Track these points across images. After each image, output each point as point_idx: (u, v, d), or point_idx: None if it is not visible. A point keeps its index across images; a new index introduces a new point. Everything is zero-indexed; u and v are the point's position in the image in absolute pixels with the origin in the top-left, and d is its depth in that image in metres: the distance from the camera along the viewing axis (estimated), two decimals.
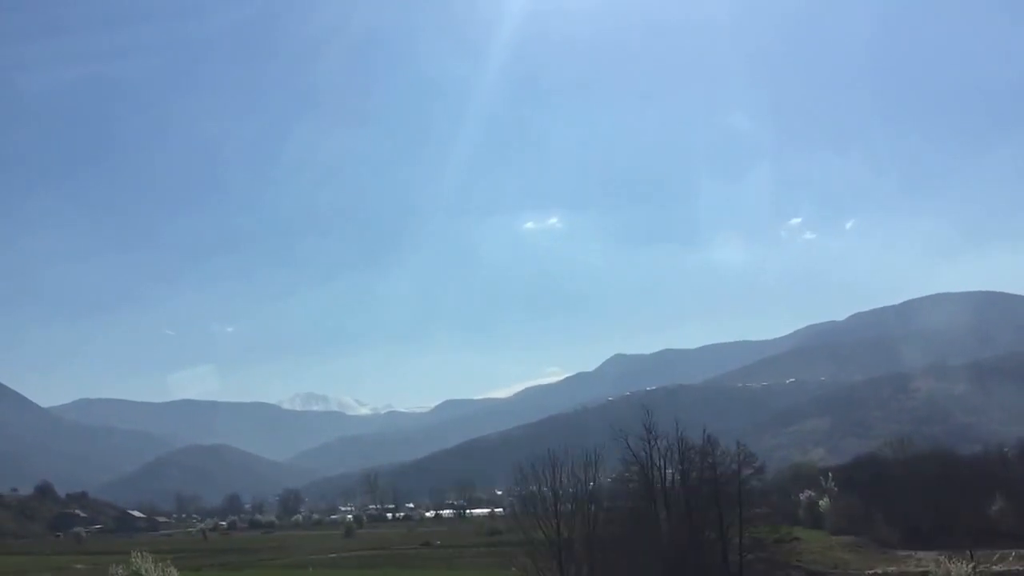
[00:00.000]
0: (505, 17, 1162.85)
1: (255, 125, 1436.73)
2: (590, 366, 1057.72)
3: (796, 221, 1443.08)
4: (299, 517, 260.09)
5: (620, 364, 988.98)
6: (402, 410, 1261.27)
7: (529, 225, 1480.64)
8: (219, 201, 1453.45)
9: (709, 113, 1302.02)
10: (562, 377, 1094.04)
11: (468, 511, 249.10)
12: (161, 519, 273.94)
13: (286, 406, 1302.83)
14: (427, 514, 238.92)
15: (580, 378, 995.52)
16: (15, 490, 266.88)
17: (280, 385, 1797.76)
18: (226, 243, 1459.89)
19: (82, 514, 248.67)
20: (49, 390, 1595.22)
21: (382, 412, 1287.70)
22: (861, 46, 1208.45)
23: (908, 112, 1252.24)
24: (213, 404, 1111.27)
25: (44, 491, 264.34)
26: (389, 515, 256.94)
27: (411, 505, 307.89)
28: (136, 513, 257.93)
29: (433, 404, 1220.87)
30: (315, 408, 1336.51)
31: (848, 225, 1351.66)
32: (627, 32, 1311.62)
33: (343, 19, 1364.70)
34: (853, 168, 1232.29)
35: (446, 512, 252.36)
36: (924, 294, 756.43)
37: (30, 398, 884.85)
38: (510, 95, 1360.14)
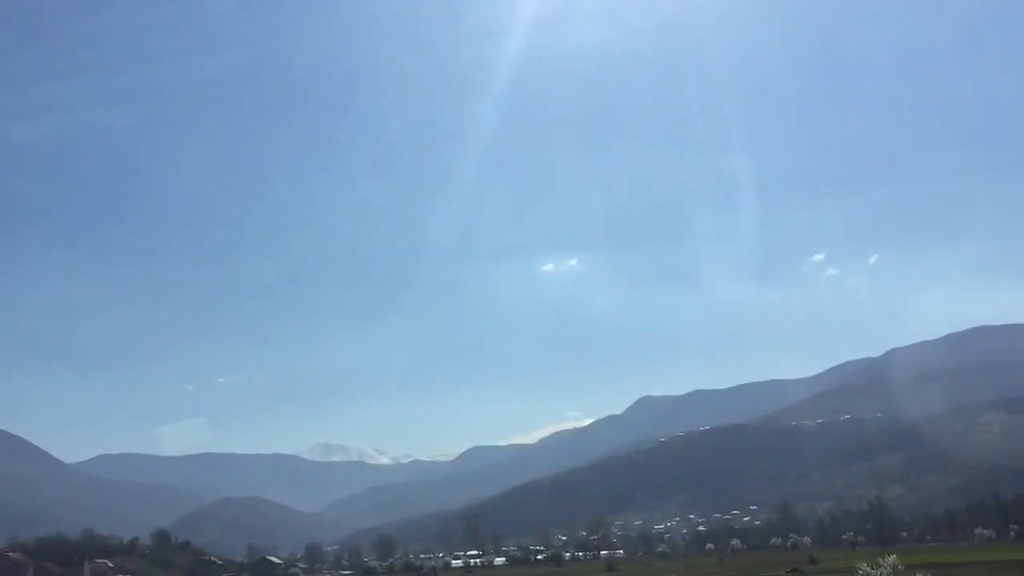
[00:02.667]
0: (509, 60, 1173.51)
1: (268, 173, 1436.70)
2: (616, 409, 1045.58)
3: (819, 257, 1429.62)
4: (450, 560, 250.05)
5: (649, 406, 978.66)
6: (424, 458, 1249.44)
7: (548, 267, 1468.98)
8: (232, 253, 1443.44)
9: (726, 150, 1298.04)
10: (588, 421, 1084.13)
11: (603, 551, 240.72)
12: (301, 566, 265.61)
13: (305, 456, 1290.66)
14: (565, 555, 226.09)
15: (609, 421, 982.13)
16: (137, 539, 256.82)
17: (297, 436, 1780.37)
18: (238, 296, 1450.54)
19: (218, 561, 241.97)
20: (69, 446, 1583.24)
21: (403, 461, 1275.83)
22: (879, 79, 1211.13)
23: (929, 143, 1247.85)
24: (233, 456, 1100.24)
25: (162, 539, 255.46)
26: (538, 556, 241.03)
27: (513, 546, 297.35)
28: (274, 559, 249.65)
29: (455, 451, 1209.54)
30: (334, 458, 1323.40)
31: (872, 260, 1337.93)
32: (638, 69, 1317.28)
33: (354, 66, 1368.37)
34: (873, 202, 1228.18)
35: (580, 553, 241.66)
36: (963, 328, 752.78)
37: (53, 454, 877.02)
38: (521, 136, 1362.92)
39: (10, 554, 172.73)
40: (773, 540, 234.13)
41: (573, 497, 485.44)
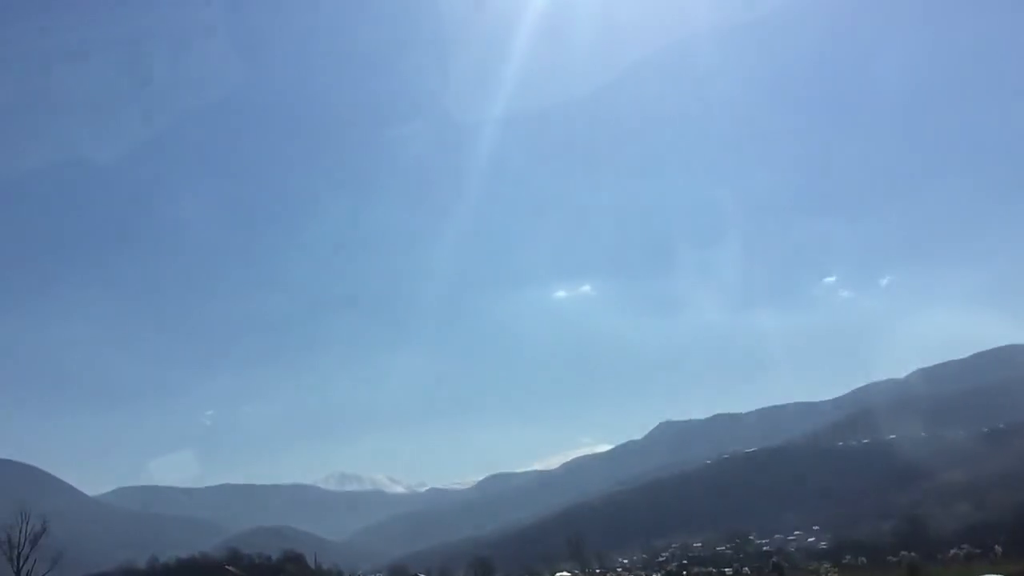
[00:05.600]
0: (514, 84, 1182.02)
1: (278, 205, 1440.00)
2: (636, 434, 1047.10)
3: (830, 280, 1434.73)
4: None
5: (670, 431, 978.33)
6: (440, 486, 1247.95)
7: (560, 294, 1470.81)
8: (245, 285, 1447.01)
9: (737, 174, 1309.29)
10: (604, 446, 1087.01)
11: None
12: None
13: (322, 486, 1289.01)
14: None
15: (629, 447, 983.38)
16: (267, 557, 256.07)
17: (313, 466, 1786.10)
18: (251, 327, 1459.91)
19: None
20: (89, 479, 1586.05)
21: (419, 490, 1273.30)
22: (888, 98, 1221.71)
23: (937, 163, 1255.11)
24: (253, 487, 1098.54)
25: (295, 559, 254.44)
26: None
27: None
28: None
29: (472, 479, 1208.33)
30: (350, 488, 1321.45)
31: (884, 282, 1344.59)
32: (647, 90, 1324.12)
33: (356, 93, 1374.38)
34: (880, 224, 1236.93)
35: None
36: (990, 347, 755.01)
37: (78, 487, 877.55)
38: (529, 161, 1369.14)
39: (228, 568, 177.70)
40: (953, 551, 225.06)
41: (625, 519, 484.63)
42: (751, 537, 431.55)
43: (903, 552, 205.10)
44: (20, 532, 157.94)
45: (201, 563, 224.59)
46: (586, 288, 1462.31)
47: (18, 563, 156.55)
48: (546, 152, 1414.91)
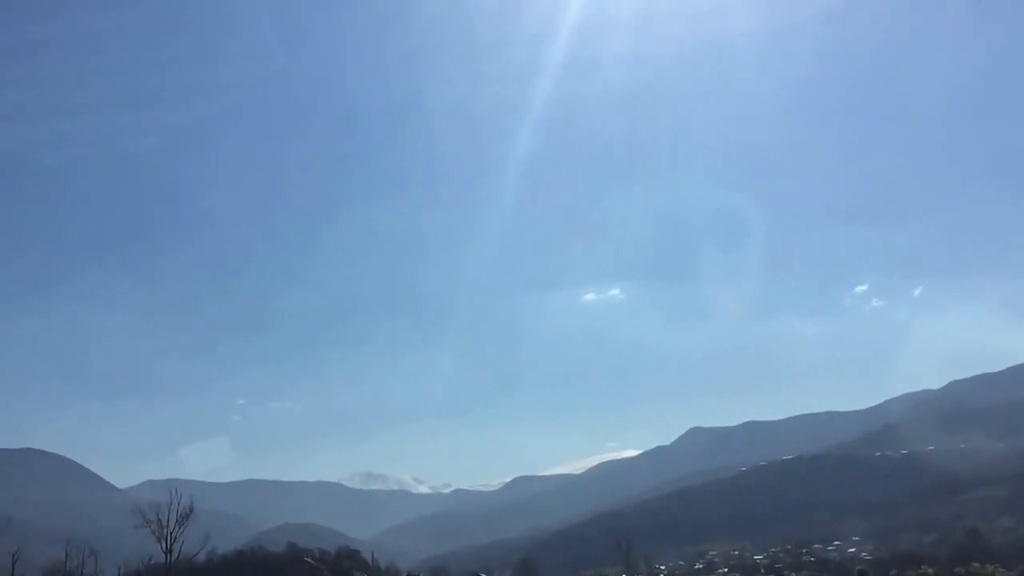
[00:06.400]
0: (549, 91, 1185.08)
1: (311, 204, 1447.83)
2: (664, 440, 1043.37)
3: (862, 289, 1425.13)
4: None
5: (700, 437, 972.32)
6: (465, 487, 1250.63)
7: (590, 297, 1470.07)
8: (276, 284, 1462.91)
9: (769, 181, 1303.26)
10: (630, 451, 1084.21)
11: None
12: None
13: (347, 484, 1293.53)
14: None
15: (658, 452, 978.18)
16: (327, 552, 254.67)
17: (337, 464, 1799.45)
18: (280, 325, 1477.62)
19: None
20: (120, 472, 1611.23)
21: (444, 490, 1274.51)
22: (923, 106, 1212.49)
23: (969, 174, 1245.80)
24: (279, 483, 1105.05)
25: (351, 555, 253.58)
26: None
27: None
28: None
29: (497, 481, 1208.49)
30: (375, 487, 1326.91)
31: (916, 292, 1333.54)
32: (679, 99, 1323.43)
33: (397, 98, 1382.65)
34: (913, 234, 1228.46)
35: None
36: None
37: (108, 480, 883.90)
38: (561, 165, 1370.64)
39: (307, 559, 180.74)
40: None
41: (659, 524, 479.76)
42: (789, 547, 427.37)
43: (974, 564, 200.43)
44: (169, 511, 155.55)
45: (260, 556, 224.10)
46: (616, 292, 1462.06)
47: (169, 542, 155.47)
48: (578, 156, 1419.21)
